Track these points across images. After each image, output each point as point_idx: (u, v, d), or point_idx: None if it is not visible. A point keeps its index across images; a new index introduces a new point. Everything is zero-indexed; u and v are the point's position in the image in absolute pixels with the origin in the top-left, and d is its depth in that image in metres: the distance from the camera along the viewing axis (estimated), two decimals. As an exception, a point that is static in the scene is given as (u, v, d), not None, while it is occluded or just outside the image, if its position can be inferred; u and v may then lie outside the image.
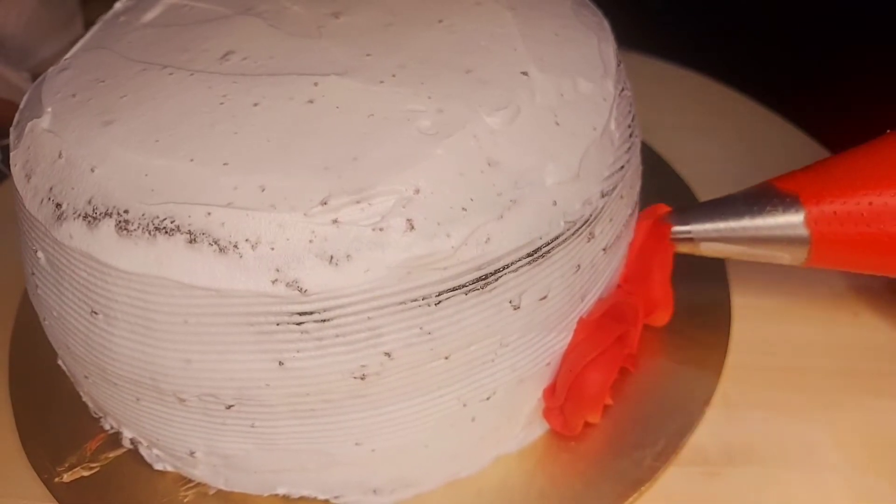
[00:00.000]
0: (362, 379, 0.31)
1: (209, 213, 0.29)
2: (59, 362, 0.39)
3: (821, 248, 0.36)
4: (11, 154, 0.34)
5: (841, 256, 0.37)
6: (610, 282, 0.37)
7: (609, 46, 0.37)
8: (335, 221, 0.29)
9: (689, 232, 0.38)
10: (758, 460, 0.38)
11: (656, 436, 0.38)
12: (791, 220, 0.36)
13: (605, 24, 0.39)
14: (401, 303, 0.30)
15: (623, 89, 0.37)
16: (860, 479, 0.37)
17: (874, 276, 0.44)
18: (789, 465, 0.37)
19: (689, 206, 0.39)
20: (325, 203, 0.29)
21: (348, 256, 0.29)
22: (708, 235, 0.38)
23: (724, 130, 0.53)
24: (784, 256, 0.37)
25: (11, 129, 0.35)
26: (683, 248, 0.39)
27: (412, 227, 0.29)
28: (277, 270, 0.29)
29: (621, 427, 0.38)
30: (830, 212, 0.35)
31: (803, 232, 0.36)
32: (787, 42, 0.61)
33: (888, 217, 0.35)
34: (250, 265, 0.29)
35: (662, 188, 0.47)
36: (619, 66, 0.37)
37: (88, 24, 0.40)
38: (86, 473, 0.37)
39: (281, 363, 0.30)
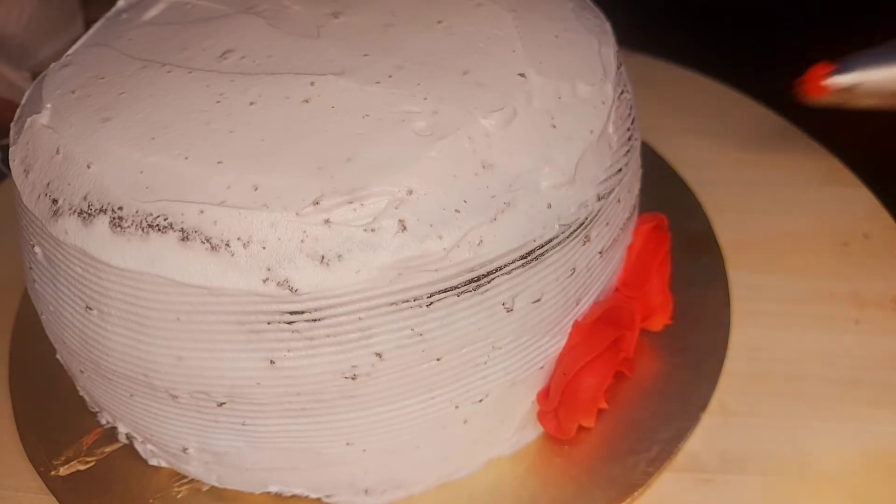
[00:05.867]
0: (353, 379, 0.31)
1: (202, 212, 0.29)
2: (58, 356, 0.40)
3: None
4: (11, 149, 0.34)
5: None
6: (607, 285, 0.37)
7: (610, 49, 0.37)
8: (327, 221, 0.29)
9: (854, 79, 0.40)
10: (753, 468, 0.37)
11: (651, 441, 0.37)
12: None
13: (607, 26, 0.38)
14: (392, 304, 0.30)
15: (623, 92, 0.36)
16: (857, 490, 0.36)
17: (877, 284, 0.44)
18: (785, 475, 0.37)
19: (852, 56, 0.41)
20: (318, 203, 0.29)
21: (339, 257, 0.29)
22: (872, 81, 0.40)
23: (729, 133, 0.53)
24: None
25: (12, 124, 0.35)
26: (835, 99, 0.41)
27: (404, 229, 0.29)
28: (269, 270, 0.29)
29: (616, 431, 0.38)
30: None
31: None
32: (791, 42, 0.61)
33: None
34: (241, 264, 0.29)
35: (664, 191, 0.47)
36: (619, 68, 0.37)
37: (89, 24, 0.40)
38: (81, 467, 0.38)
39: (272, 362, 0.30)
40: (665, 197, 0.44)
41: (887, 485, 0.36)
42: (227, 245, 0.29)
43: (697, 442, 0.38)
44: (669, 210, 0.42)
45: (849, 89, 0.41)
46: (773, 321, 0.43)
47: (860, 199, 0.49)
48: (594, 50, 0.36)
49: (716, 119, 0.54)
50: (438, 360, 0.32)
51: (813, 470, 0.37)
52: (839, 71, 0.41)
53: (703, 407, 0.39)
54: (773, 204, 0.49)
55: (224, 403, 0.32)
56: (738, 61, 0.57)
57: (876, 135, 0.40)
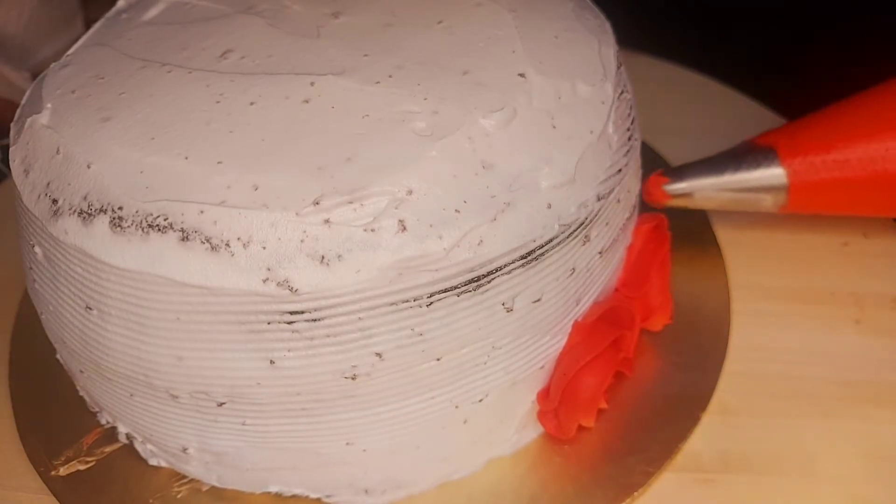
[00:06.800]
0: (353, 379, 0.31)
1: (202, 212, 0.29)
2: (58, 356, 0.40)
3: (798, 193, 0.43)
4: (11, 149, 0.34)
5: (815, 198, 0.43)
6: (606, 285, 0.37)
7: (610, 49, 0.37)
8: (327, 221, 0.29)
9: (687, 187, 0.43)
10: (753, 468, 0.37)
11: (651, 441, 0.37)
12: (772, 171, 0.43)
13: (607, 26, 0.38)
14: (392, 304, 0.30)
15: (623, 92, 0.36)
16: (857, 490, 0.36)
17: (877, 284, 0.44)
18: (785, 475, 0.37)
19: (682, 166, 0.44)
20: (318, 203, 0.29)
21: (339, 257, 0.29)
22: (703, 188, 0.43)
23: (728, 133, 0.53)
24: (767, 199, 0.43)
25: (12, 124, 0.35)
26: (678, 203, 0.44)
27: (404, 229, 0.29)
28: (269, 269, 0.29)
29: (616, 431, 0.38)
30: (805, 161, 0.42)
31: (782, 179, 0.42)
32: (791, 43, 0.61)
33: (854, 164, 0.42)
34: (241, 264, 0.29)
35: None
36: (619, 68, 0.37)
37: (89, 24, 0.40)
38: (82, 467, 0.38)
39: (272, 362, 0.30)
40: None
41: (887, 485, 0.36)
42: (227, 245, 0.29)
43: (697, 442, 0.38)
44: (669, 210, 0.42)
45: (687, 195, 0.43)
46: (773, 321, 0.43)
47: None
48: (594, 50, 0.36)
49: (716, 119, 0.54)
50: (438, 360, 0.32)
51: (813, 470, 0.37)
52: (672, 180, 0.43)
53: (703, 407, 0.39)
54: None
55: (224, 403, 0.32)
56: (738, 61, 0.57)
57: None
